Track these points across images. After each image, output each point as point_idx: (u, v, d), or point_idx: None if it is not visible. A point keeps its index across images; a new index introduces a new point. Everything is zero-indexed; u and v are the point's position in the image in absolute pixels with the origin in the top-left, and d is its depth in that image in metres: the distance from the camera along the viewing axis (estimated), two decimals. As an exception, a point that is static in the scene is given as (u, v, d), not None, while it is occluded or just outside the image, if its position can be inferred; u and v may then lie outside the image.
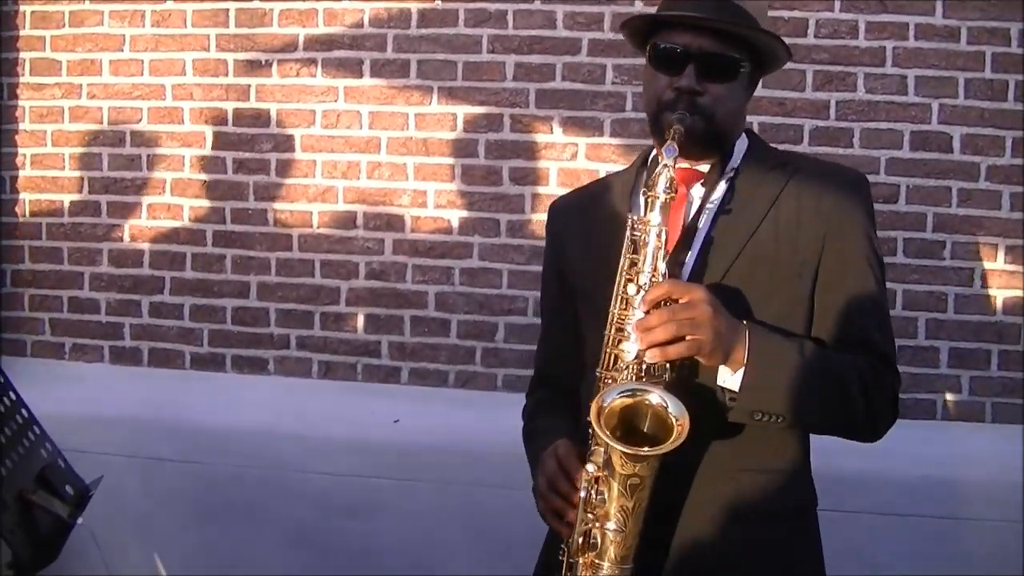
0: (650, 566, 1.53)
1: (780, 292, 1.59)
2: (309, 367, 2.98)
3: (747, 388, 1.48)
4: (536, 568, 1.81)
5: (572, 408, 1.70)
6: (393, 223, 2.91)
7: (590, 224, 1.73)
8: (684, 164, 1.60)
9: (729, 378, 1.49)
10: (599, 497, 1.44)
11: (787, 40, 2.58)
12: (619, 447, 1.37)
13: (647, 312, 1.45)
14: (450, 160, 2.87)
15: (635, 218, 1.51)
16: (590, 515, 1.46)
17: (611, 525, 1.44)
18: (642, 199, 1.52)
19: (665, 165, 1.48)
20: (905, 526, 2.66)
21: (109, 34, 2.97)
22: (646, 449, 1.38)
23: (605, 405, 1.41)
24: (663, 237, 1.49)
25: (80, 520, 2.03)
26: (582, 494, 1.46)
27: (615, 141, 2.78)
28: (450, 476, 2.81)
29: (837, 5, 2.71)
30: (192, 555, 2.92)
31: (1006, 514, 2.61)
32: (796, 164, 1.67)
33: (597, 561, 1.47)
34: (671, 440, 1.37)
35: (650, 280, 1.48)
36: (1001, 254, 2.70)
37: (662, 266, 1.49)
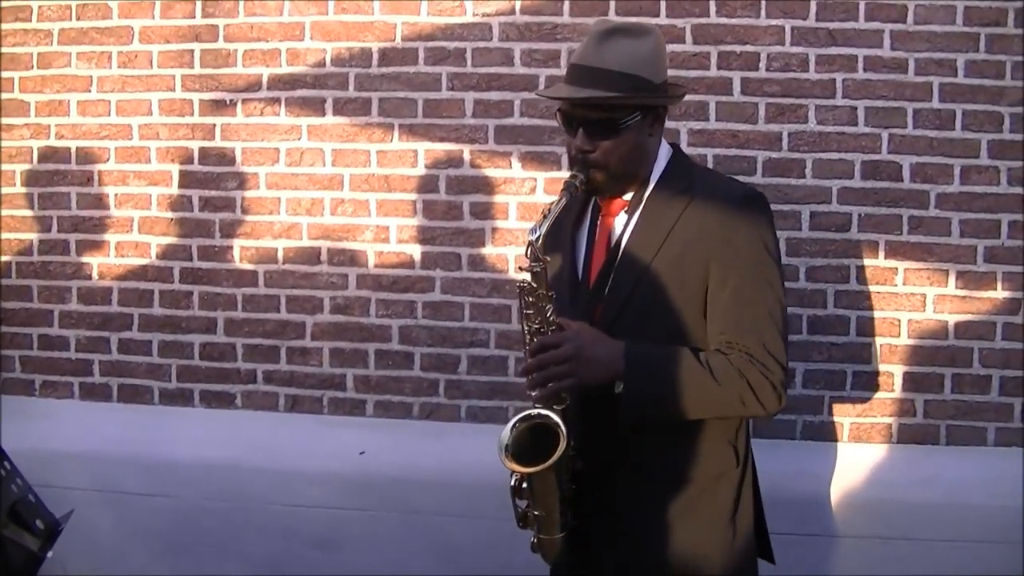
0: (585, 533, 1.97)
1: (679, 307, 1.92)
2: (276, 401, 3.01)
3: (626, 401, 1.84)
4: None
5: None
6: (357, 258, 2.95)
7: (554, 242, 2.00)
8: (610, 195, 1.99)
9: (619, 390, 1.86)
10: (524, 487, 1.91)
11: (740, 74, 2.68)
12: (517, 468, 1.85)
13: (529, 360, 1.88)
14: (412, 196, 2.91)
15: (520, 284, 1.87)
16: (524, 501, 1.95)
17: (536, 509, 1.94)
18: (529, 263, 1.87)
19: (529, 237, 1.85)
20: (860, 547, 2.70)
21: (76, 75, 3.02)
22: (533, 468, 1.84)
23: (506, 439, 1.85)
24: (543, 295, 1.86)
25: (50, 554, 2.06)
26: (512, 482, 1.92)
27: (573, 175, 2.83)
28: (416, 507, 2.86)
29: (788, 39, 2.76)
30: (162, 589, 2.96)
31: (959, 534, 2.66)
32: (697, 188, 1.95)
33: (541, 535, 1.97)
34: (554, 455, 1.81)
35: (540, 328, 1.88)
36: (952, 279, 2.75)
37: (549, 315, 1.87)
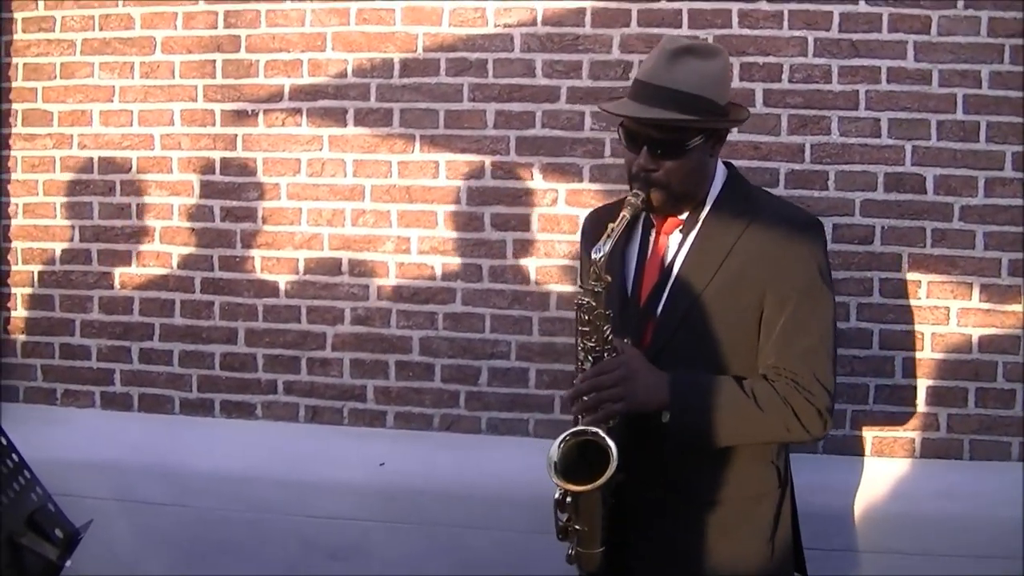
0: (623, 549, 2.02)
1: (732, 330, 1.95)
2: (296, 411, 3.01)
3: (673, 429, 1.88)
4: None
5: None
6: (377, 269, 2.95)
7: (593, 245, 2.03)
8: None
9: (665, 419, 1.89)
10: (568, 501, 1.92)
11: (762, 85, 2.67)
12: (566, 486, 1.87)
13: (581, 382, 1.89)
14: (433, 207, 2.91)
15: (578, 301, 1.90)
16: (565, 514, 1.94)
17: (578, 524, 1.95)
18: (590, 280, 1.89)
19: (594, 255, 1.87)
20: (879, 562, 2.69)
21: (99, 85, 3.03)
22: (582, 487, 1.85)
23: (555, 455, 1.87)
24: (601, 314, 1.88)
25: (69, 563, 2.06)
26: (556, 496, 1.93)
27: (594, 186, 2.83)
28: (435, 518, 2.85)
29: (810, 50, 2.74)
30: (181, 599, 2.96)
31: (982, 550, 2.63)
32: (756, 211, 1.98)
33: (580, 548, 1.99)
34: (604, 476, 1.82)
35: (595, 347, 1.90)
36: (976, 293, 2.73)
37: (607, 334, 1.90)
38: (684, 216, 2.00)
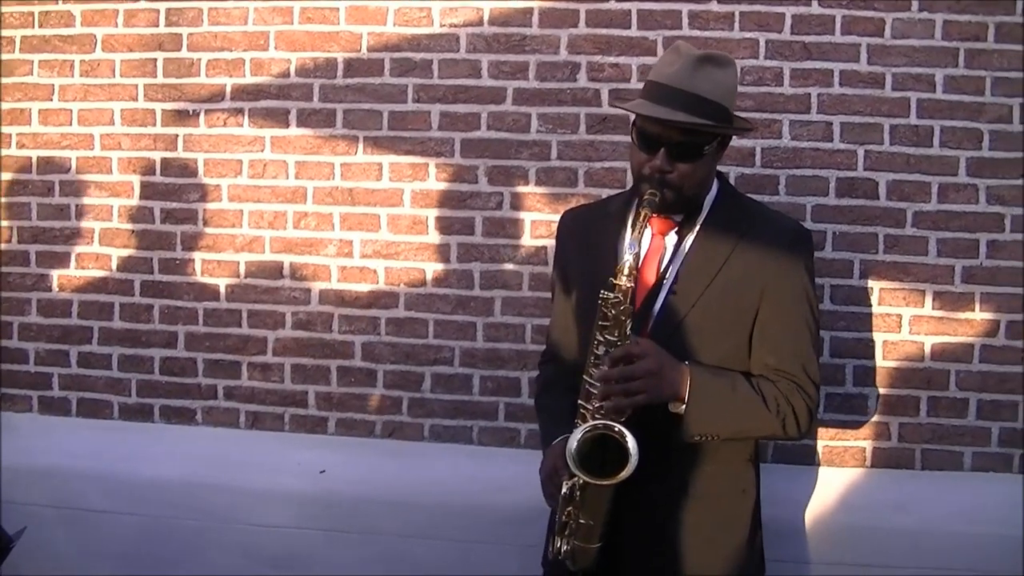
0: (617, 543, 2.04)
1: (728, 334, 2.05)
2: (237, 417, 2.96)
3: (688, 419, 1.95)
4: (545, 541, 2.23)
5: (571, 386, 2.07)
6: (319, 273, 2.90)
7: (584, 246, 2.17)
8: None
9: (677, 410, 1.95)
10: (576, 496, 1.95)
11: None
12: (585, 478, 1.89)
13: (610, 368, 1.90)
14: (376, 210, 2.86)
15: (603, 295, 1.92)
16: (570, 508, 1.98)
17: (583, 518, 1.97)
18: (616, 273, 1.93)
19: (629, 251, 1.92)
20: (831, 574, 2.65)
21: (38, 83, 2.97)
22: (605, 482, 1.88)
23: (574, 445, 1.88)
24: (627, 310, 1.91)
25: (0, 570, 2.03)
26: (564, 490, 1.96)
27: (540, 190, 2.78)
28: (377, 526, 2.80)
29: (762, 52, 2.70)
30: (117, 609, 2.91)
31: (933, 562, 2.60)
32: (751, 219, 2.10)
33: (576, 542, 2.00)
34: (624, 471, 1.86)
35: (616, 341, 1.92)
36: (929, 300, 2.69)
37: (628, 330, 1.92)
38: (679, 219, 2.07)
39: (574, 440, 1.89)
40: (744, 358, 2.08)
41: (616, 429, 1.89)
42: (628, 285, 1.91)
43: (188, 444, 2.93)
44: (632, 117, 2.06)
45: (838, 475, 2.75)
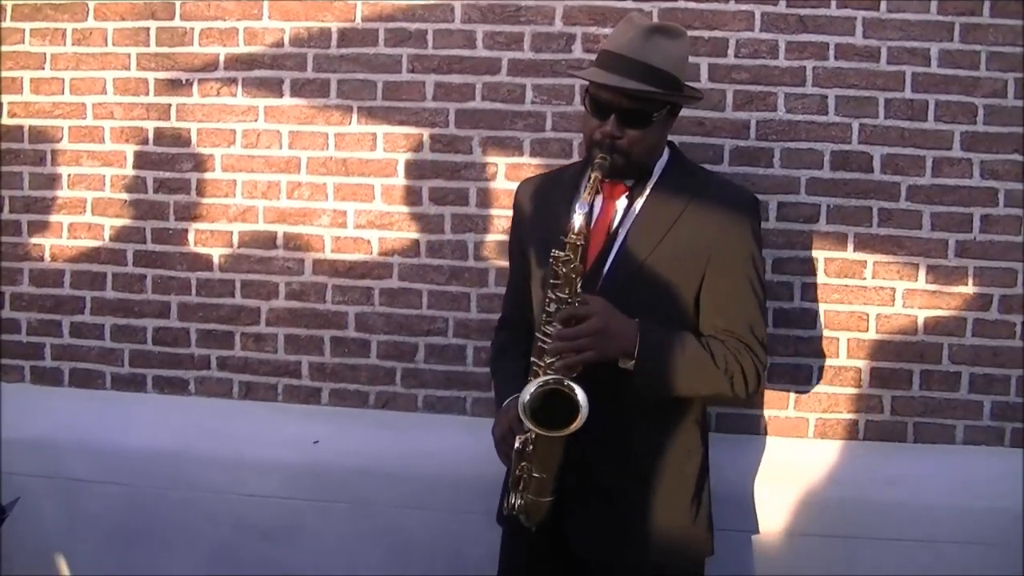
0: (564, 500, 2.12)
1: (676, 294, 2.13)
2: (230, 387, 2.95)
3: (637, 376, 2.01)
4: (500, 497, 2.31)
5: (525, 351, 2.18)
6: (313, 243, 2.89)
7: (539, 212, 2.26)
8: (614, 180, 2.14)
9: (627, 366, 2.01)
10: (528, 450, 2.04)
11: (707, 60, 2.67)
12: (537, 430, 1.96)
13: (561, 328, 1.98)
14: (370, 180, 2.85)
15: (554, 254, 1.99)
16: (524, 463, 2.06)
17: (535, 471, 2.05)
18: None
19: (580, 210, 1.98)
20: (823, 545, 2.66)
21: (30, 52, 2.95)
22: (556, 433, 1.95)
23: (527, 399, 1.96)
24: (577, 268, 1.98)
25: (-4, 539, 2.02)
26: (517, 445, 2.05)
27: (535, 160, 2.77)
28: (369, 497, 2.81)
29: (757, 25, 2.69)
30: (110, 578, 2.90)
31: (925, 534, 2.62)
32: (699, 185, 2.19)
33: (529, 496, 2.08)
34: (574, 423, 1.93)
35: (567, 299, 1.99)
36: (922, 273, 2.70)
37: (578, 287, 1.99)
38: (630, 183, 2.15)
39: (526, 394, 1.97)
40: (691, 319, 2.16)
41: (566, 383, 1.96)
42: (578, 243, 1.97)
43: (181, 414, 2.93)
44: (585, 85, 2.13)
45: (831, 448, 2.75)
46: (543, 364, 2.02)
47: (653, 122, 2.08)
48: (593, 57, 2.68)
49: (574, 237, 1.98)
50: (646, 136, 2.08)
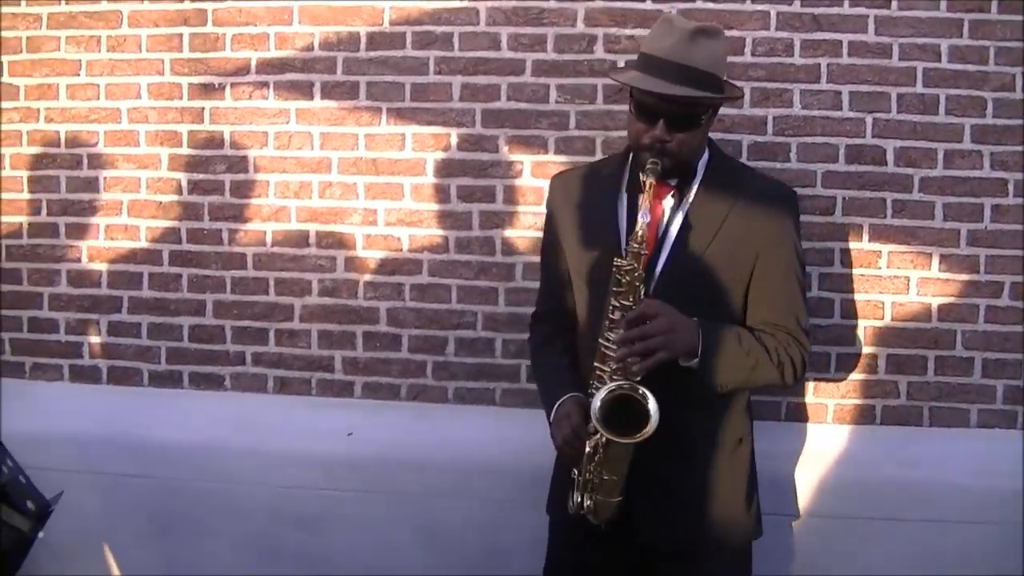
0: (631, 489, 2.13)
1: (728, 291, 2.17)
2: (264, 383, 3.02)
3: (702, 373, 2.07)
4: (551, 488, 2.39)
5: (570, 348, 2.31)
6: (344, 241, 2.96)
7: (579, 207, 2.28)
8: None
9: (690, 364, 2.06)
10: (599, 455, 2.05)
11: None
12: (611, 437, 1.99)
13: (627, 329, 2.01)
14: (399, 179, 2.92)
15: (617, 263, 2.04)
16: (593, 465, 2.08)
17: (605, 474, 2.08)
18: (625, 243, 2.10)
19: (642, 220, 2.03)
20: (842, 527, 2.73)
21: (65, 59, 3.01)
22: (630, 440, 1.99)
23: (598, 405, 2.00)
24: (640, 276, 2.04)
25: (41, 534, 2.08)
26: (588, 450, 2.07)
27: (559, 158, 2.84)
28: (402, 487, 2.87)
29: (773, 24, 2.77)
30: (150, 569, 2.98)
31: (941, 515, 2.69)
32: (743, 182, 2.23)
33: (598, 496, 2.11)
34: (647, 428, 1.97)
35: (630, 306, 2.04)
36: (935, 262, 2.77)
37: (641, 295, 2.05)
38: (674, 183, 2.17)
39: (597, 400, 2.00)
40: (741, 314, 2.21)
41: (640, 392, 2.00)
42: (641, 252, 2.02)
43: (217, 409, 2.99)
44: (630, 97, 2.14)
45: (848, 432, 2.82)
46: (608, 370, 2.05)
47: (701, 124, 2.12)
48: (614, 57, 2.80)
49: (637, 246, 2.02)
50: (693, 138, 2.12)
